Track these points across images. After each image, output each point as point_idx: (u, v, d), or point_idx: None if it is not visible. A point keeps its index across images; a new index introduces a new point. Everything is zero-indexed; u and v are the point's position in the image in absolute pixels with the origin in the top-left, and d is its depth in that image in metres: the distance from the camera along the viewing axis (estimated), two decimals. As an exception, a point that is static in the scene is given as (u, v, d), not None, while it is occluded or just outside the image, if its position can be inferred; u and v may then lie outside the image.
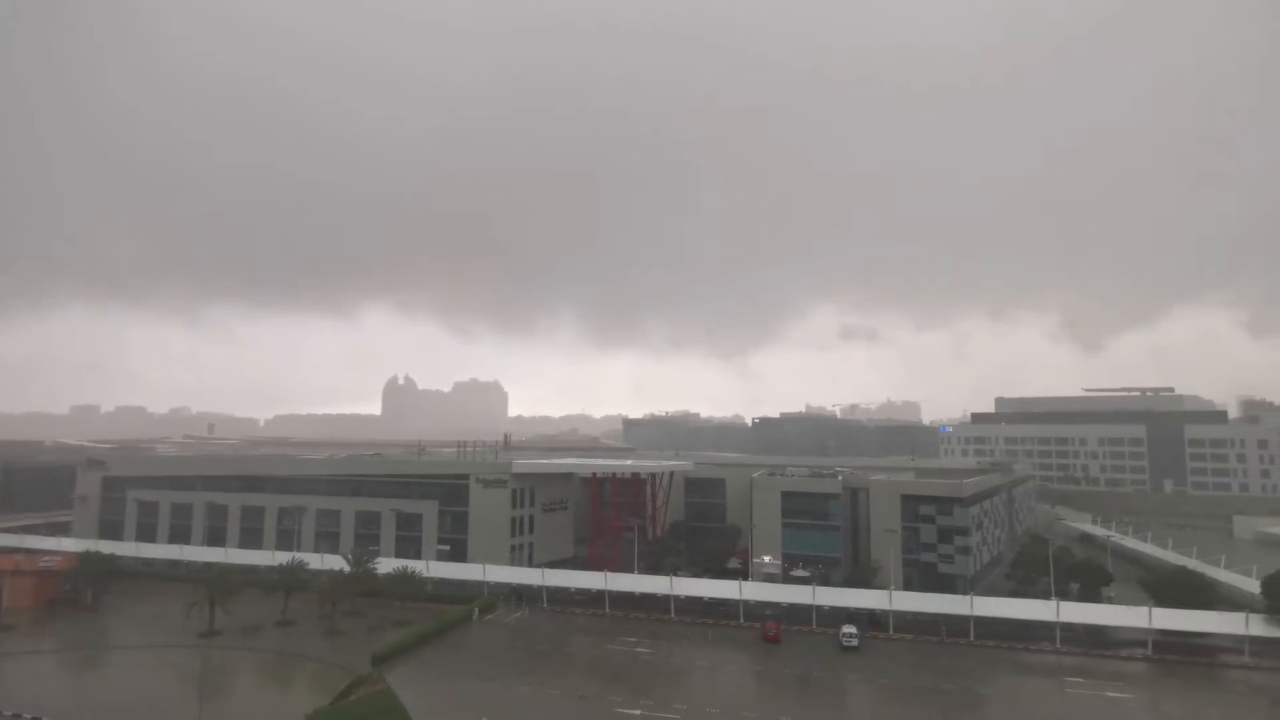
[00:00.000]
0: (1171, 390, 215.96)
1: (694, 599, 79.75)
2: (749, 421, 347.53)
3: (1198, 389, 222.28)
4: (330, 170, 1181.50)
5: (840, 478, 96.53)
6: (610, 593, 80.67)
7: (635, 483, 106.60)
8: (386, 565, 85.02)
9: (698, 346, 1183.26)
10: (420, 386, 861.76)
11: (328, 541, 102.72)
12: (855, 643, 67.66)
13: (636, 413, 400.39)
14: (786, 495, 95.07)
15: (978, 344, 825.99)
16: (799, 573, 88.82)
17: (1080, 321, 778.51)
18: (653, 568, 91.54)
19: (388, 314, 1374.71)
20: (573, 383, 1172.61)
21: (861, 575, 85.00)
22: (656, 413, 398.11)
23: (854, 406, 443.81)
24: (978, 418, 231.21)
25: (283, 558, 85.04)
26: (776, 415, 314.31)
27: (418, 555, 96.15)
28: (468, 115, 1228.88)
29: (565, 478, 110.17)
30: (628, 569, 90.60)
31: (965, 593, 76.87)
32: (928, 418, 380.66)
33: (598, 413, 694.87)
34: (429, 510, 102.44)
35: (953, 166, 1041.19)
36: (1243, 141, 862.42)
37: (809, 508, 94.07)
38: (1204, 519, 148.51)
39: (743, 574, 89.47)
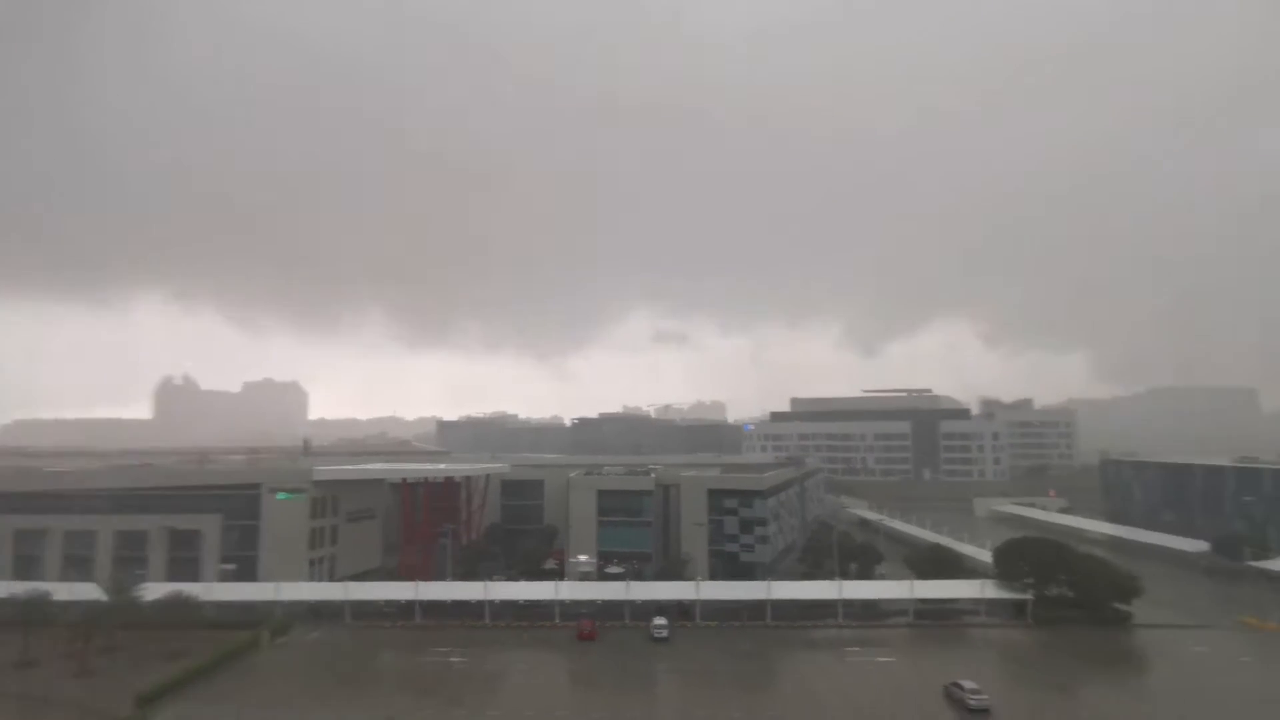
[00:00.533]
0: (930, 391, 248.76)
1: (509, 603, 78.89)
2: (567, 422, 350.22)
3: (950, 390, 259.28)
4: (73, 135, 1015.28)
5: (653, 475, 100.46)
6: (421, 602, 77.53)
7: (449, 487, 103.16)
8: (156, 590, 74.69)
9: (512, 348, 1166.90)
10: (203, 387, 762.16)
11: (79, 568, 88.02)
12: (666, 634, 70.65)
13: (451, 414, 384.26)
14: (602, 494, 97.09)
15: (776, 349, 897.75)
16: (613, 569, 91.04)
17: (859, 330, 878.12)
18: (468, 573, 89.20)
19: (162, 304, 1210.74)
20: (381, 383, 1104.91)
21: (672, 568, 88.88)
22: (472, 414, 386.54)
23: (667, 406, 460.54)
24: (776, 416, 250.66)
25: (18, 589, 71.77)
26: (595, 416, 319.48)
27: (195, 577, 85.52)
28: (267, 106, 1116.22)
29: (373, 484, 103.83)
30: (441, 576, 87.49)
31: (764, 579, 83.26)
32: (732, 417, 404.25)
33: (410, 415, 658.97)
34: (210, 525, 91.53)
35: (760, 183, 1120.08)
36: (997, 171, 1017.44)
37: (624, 505, 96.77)
38: (953, 501, 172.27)
39: (559, 574, 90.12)
